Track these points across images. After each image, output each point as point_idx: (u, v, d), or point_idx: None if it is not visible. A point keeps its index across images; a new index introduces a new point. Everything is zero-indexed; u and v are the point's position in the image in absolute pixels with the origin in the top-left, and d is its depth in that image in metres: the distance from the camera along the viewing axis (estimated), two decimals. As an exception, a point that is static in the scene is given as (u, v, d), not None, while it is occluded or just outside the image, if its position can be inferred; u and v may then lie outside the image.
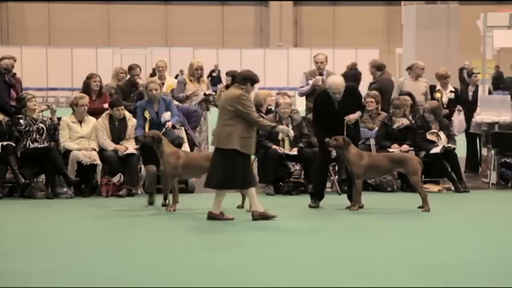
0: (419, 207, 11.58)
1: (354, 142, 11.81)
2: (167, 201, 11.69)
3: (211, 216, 10.84)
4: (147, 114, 11.99)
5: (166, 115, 11.77)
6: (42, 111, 13.49)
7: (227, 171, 10.74)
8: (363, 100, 12.96)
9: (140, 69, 15.34)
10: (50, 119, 13.50)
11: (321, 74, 14.51)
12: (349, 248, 9.54)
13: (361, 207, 11.82)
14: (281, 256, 9.08)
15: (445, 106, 15.36)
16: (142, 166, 13.20)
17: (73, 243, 9.81)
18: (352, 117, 11.73)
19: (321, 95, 12.32)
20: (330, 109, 11.62)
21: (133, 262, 8.58)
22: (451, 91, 15.71)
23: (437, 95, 15.55)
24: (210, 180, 10.97)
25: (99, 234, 10.32)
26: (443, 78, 16.05)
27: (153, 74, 15.59)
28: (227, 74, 15.35)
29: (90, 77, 14.56)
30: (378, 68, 16.10)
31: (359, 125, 12.40)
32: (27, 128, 12.98)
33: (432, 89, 15.76)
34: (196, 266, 8.08)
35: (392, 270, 8.30)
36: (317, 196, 12.09)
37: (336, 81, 12.03)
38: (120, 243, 9.89)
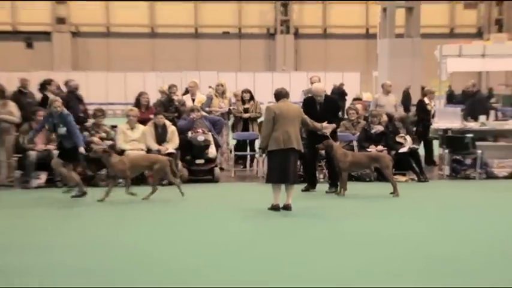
0: (391, 193, 11.60)
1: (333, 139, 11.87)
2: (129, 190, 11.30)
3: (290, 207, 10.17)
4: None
5: (62, 130, 11.16)
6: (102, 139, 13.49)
7: (297, 169, 10.61)
8: (343, 112, 13.00)
9: (177, 88, 15.36)
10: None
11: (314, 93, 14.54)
12: (337, 223, 9.70)
13: (334, 192, 12.02)
14: (283, 229, 9.22)
15: (433, 116, 15.66)
16: (179, 162, 13.28)
17: (139, 214, 10.25)
18: (330, 126, 11.69)
19: (307, 100, 12.42)
20: (313, 110, 11.59)
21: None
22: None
23: (429, 107, 15.85)
24: (289, 177, 10.15)
25: (147, 213, 10.46)
26: (430, 93, 16.42)
27: (186, 92, 15.57)
28: (244, 91, 15.34)
29: (140, 95, 14.62)
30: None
31: (336, 131, 12.40)
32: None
33: (423, 102, 16.09)
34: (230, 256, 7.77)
35: (372, 241, 8.49)
36: (310, 187, 12.19)
37: (318, 87, 12.28)
38: (166, 219, 10.00)
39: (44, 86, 14.38)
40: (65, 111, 11.39)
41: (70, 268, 7.02)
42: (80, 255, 7.63)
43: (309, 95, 12.90)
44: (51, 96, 13.33)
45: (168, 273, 6.95)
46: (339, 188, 11.92)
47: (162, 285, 6.54)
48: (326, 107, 11.89)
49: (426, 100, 16.06)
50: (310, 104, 12.15)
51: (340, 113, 13.70)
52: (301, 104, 12.58)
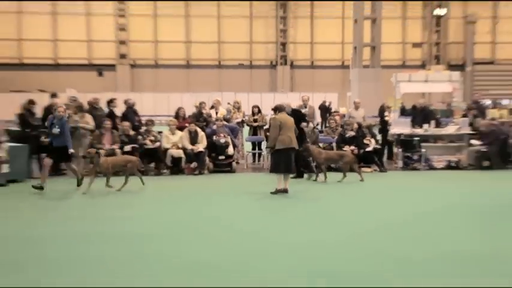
0: (360, 180, 11.58)
1: (304, 140, 11.84)
2: (109, 183, 10.51)
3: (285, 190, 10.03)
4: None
5: (56, 130, 10.24)
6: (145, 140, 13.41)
7: (290, 162, 10.28)
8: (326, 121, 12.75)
9: (205, 104, 15.29)
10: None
11: (305, 107, 14.51)
12: (320, 200, 9.65)
13: (315, 180, 11.87)
14: (283, 205, 9.21)
15: (390, 124, 15.51)
16: (207, 158, 13.32)
17: (171, 194, 9.85)
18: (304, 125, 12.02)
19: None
20: None
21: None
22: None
23: (387, 118, 15.68)
24: (291, 168, 10.36)
25: (182, 191, 10.40)
26: (388, 107, 16.22)
27: (211, 107, 15.51)
28: (254, 106, 15.39)
29: (179, 109, 14.64)
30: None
31: (305, 131, 12.25)
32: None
33: (383, 114, 15.89)
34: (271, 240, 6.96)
35: (345, 212, 8.49)
36: (298, 176, 12.00)
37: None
38: (192, 195, 9.91)
39: (110, 103, 14.42)
40: (65, 117, 10.70)
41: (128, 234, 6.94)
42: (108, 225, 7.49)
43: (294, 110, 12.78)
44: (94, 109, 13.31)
45: (191, 235, 6.88)
46: (316, 176, 11.88)
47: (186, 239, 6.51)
48: (293, 116, 11.41)
49: (386, 113, 16.00)
50: (297, 114, 12.12)
51: (306, 117, 13.39)
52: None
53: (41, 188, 10.22)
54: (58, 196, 10.20)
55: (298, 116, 12.41)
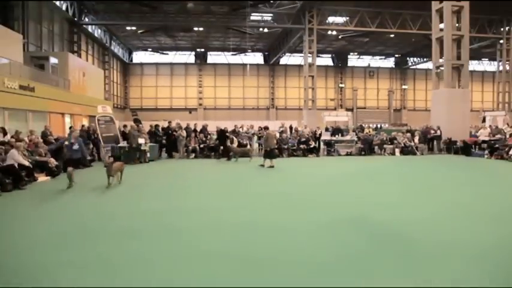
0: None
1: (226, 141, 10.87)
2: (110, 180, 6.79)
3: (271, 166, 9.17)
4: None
5: (76, 146, 6.84)
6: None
7: (274, 153, 9.86)
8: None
9: (237, 126, 14.44)
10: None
11: (282, 126, 14.20)
12: (286, 169, 9.10)
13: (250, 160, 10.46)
14: (265, 174, 8.73)
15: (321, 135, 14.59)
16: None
17: (210, 171, 8.65)
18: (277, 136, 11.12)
19: (220, 131, 11.55)
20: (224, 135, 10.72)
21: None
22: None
23: (319, 132, 14.72)
24: (276, 156, 9.97)
25: (227, 171, 9.52)
26: (318, 128, 15.26)
27: (240, 127, 14.85)
28: (259, 127, 14.96)
29: (225, 128, 13.88)
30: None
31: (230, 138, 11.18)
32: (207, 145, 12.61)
33: (315, 132, 14.63)
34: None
35: (298, 173, 7.98)
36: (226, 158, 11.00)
37: (220, 128, 11.21)
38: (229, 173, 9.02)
39: (194, 125, 14.13)
40: (81, 140, 7.09)
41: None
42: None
43: (221, 129, 11.81)
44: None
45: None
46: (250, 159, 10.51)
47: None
48: (221, 133, 10.57)
49: (317, 130, 15.23)
50: (222, 132, 11.58)
51: (283, 132, 12.45)
52: (279, 134, 12.05)
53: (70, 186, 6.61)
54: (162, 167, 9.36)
55: (224, 132, 11.74)
